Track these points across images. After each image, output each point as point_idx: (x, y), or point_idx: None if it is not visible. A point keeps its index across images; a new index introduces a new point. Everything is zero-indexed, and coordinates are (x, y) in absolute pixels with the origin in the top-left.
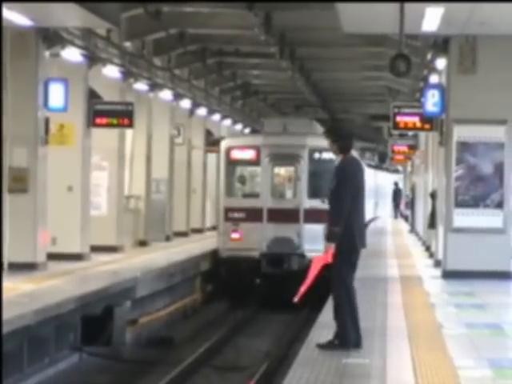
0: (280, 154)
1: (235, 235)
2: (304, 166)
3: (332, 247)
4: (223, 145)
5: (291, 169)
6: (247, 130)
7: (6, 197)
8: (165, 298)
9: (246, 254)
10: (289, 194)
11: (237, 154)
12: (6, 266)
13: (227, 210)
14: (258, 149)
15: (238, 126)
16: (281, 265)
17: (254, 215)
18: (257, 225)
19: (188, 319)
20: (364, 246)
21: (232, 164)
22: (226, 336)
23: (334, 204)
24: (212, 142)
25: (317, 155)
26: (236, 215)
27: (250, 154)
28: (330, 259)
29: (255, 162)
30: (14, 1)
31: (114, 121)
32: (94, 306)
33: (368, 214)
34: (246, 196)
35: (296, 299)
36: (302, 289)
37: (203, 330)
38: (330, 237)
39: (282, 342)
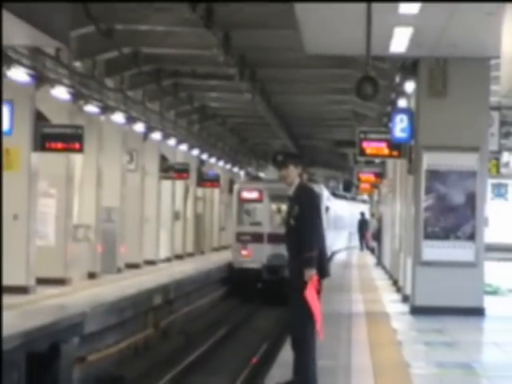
0: (276, 194)
1: (245, 252)
2: None
3: (313, 273)
4: (236, 187)
5: (283, 205)
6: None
7: None
8: (115, 333)
9: (252, 266)
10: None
11: (246, 194)
12: None
13: (238, 234)
14: (261, 190)
15: (195, 152)
16: (276, 273)
17: (257, 238)
18: (260, 245)
19: (140, 356)
20: (328, 275)
21: (242, 201)
22: (181, 374)
23: (305, 229)
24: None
25: None
26: (245, 238)
27: (255, 195)
28: (316, 285)
29: (259, 200)
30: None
31: (63, 145)
32: (40, 343)
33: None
34: (251, 224)
35: (321, 337)
36: (318, 325)
37: (156, 368)
38: (308, 263)
39: (241, 379)
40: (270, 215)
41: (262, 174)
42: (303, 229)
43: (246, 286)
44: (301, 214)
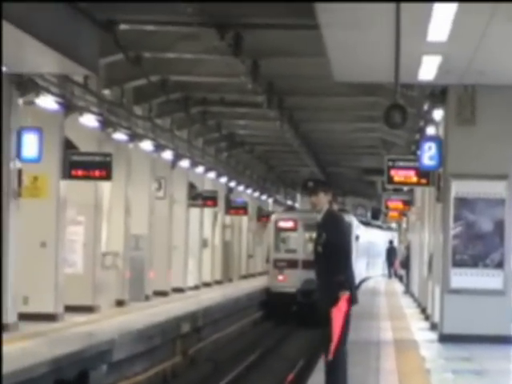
0: (310, 224)
1: (281, 277)
2: None
3: (347, 294)
4: (273, 217)
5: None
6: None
7: None
8: (143, 361)
9: (287, 290)
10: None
11: (282, 224)
12: None
13: (275, 261)
14: (296, 220)
15: (223, 179)
16: (310, 297)
17: (292, 264)
18: (294, 270)
19: None
20: (356, 302)
21: (278, 230)
22: None
23: (333, 254)
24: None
25: None
26: (281, 264)
27: (290, 224)
28: (346, 306)
29: (294, 229)
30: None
31: (91, 173)
32: (68, 370)
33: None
34: (287, 251)
35: (330, 357)
36: (333, 346)
37: None
38: (343, 285)
39: None
40: (304, 243)
41: (289, 202)
42: (331, 254)
43: (282, 308)
44: (327, 240)
